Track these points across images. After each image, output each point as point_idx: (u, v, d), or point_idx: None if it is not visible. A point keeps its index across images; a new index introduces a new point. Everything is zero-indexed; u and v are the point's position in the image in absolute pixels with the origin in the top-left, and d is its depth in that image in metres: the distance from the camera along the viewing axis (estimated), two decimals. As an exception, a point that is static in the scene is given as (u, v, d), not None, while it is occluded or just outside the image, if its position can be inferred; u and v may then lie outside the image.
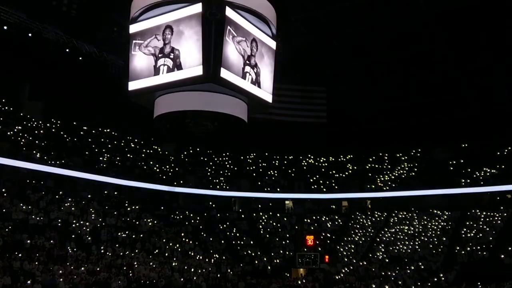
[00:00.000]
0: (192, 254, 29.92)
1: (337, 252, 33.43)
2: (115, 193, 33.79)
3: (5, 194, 26.03)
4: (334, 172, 42.89)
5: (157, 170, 37.92)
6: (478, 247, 29.50)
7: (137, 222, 30.76)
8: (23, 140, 30.18)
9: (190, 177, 39.83)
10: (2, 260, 20.11)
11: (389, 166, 41.88)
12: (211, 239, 33.42)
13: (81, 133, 36.41)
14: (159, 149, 41.60)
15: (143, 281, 22.85)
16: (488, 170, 36.06)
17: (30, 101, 34.43)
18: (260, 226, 37.23)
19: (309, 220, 37.96)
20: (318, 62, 32.95)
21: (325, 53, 32.73)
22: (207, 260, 29.38)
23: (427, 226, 33.98)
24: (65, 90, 33.47)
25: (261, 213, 38.93)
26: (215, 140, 40.24)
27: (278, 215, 38.76)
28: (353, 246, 33.85)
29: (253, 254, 32.77)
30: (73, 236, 25.74)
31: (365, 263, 30.76)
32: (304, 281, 28.65)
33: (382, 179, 40.00)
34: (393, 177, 40.10)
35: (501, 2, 24.68)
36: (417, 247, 31.65)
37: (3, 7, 24.72)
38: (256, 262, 31.50)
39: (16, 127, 31.02)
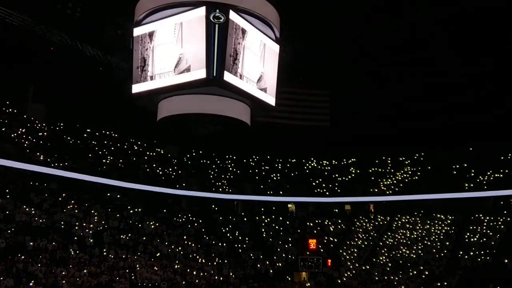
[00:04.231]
0: (195, 257, 29.87)
1: (339, 256, 33.29)
2: (118, 195, 33.81)
3: (8, 196, 26.07)
4: (337, 175, 42.83)
5: (160, 172, 37.93)
6: (482, 252, 29.34)
7: (139, 225, 30.76)
8: (26, 142, 30.26)
9: (193, 180, 39.82)
10: (5, 262, 20.14)
11: (392, 170, 41.77)
12: (213, 242, 33.36)
13: (85, 135, 36.50)
14: (162, 152, 41.63)
15: (145, 284, 22.87)
16: (492, 175, 35.92)
17: (34, 103, 34.50)
18: (263, 230, 37.13)
19: (311, 224, 37.84)
20: (322, 66, 32.92)
21: (328, 56, 32.71)
22: (209, 263, 29.34)
23: (430, 231, 33.82)
24: (69, 93, 33.52)
25: (263, 217, 38.84)
26: (218, 143, 40.20)
27: (281, 218, 38.65)
28: (355, 250, 33.71)
29: (255, 257, 32.67)
30: (75, 238, 25.76)
31: (368, 267, 30.62)
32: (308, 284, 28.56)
33: (385, 183, 39.87)
34: (396, 181, 39.98)
35: (504, 6, 24.65)
36: (420, 251, 31.49)
37: (8, 9, 24.84)
38: (259, 265, 31.40)
39: (20, 129, 31.11)
